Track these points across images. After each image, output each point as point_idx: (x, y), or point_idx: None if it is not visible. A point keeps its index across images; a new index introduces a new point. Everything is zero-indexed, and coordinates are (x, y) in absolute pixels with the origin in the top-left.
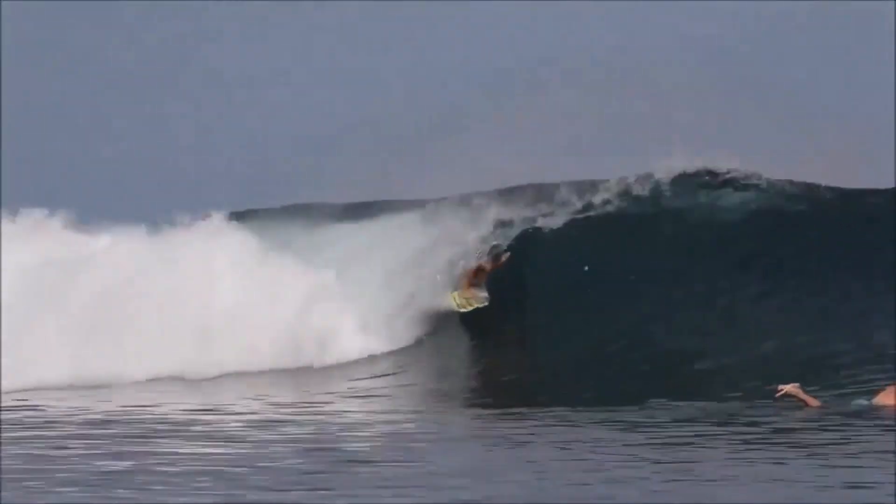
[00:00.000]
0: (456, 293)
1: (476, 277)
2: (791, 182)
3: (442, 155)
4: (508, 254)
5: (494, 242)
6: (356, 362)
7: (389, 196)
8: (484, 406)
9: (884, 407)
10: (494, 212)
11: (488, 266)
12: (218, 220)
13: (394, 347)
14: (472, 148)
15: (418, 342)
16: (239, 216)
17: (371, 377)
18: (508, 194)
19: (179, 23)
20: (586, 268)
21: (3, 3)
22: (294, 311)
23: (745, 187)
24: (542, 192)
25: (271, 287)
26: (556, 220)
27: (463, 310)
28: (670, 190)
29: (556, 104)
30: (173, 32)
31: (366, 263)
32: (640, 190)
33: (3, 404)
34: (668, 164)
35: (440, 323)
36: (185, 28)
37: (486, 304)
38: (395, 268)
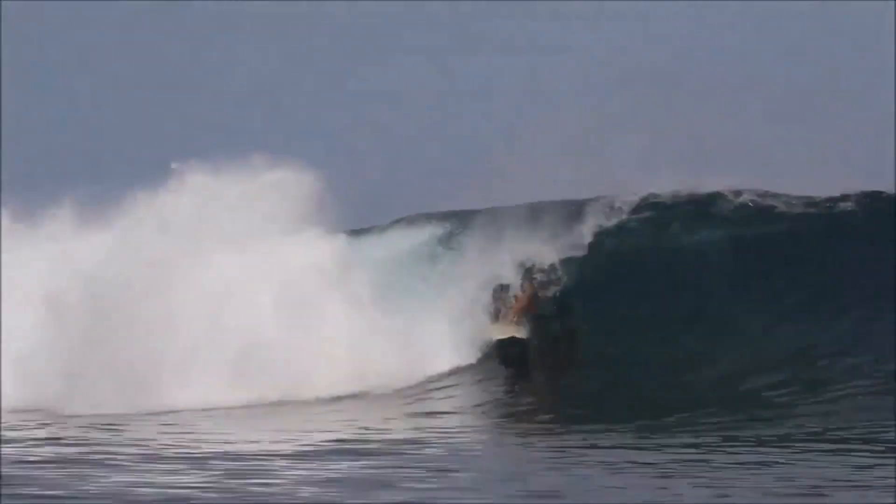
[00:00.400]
0: (496, 326)
1: (520, 314)
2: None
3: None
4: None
5: (539, 276)
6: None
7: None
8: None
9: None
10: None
11: (532, 306)
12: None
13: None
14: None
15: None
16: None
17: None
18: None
19: None
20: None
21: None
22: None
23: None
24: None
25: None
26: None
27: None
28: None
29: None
30: None
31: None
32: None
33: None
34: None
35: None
36: None
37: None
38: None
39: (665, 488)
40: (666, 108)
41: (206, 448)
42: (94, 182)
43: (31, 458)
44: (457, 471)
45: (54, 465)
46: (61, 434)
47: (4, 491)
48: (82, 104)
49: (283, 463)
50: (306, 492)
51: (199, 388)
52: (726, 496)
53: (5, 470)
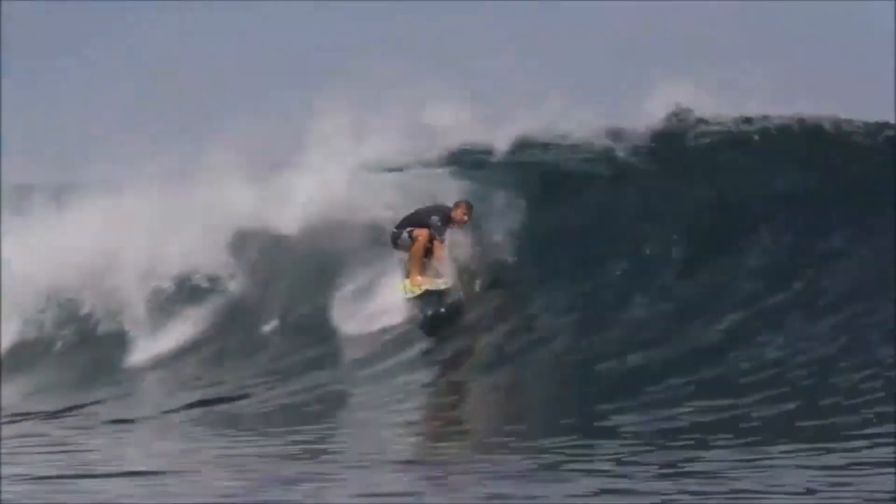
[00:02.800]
0: (406, 282)
1: (428, 256)
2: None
3: None
4: (464, 208)
5: (459, 200)
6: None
7: None
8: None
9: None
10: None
11: (440, 240)
12: None
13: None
14: None
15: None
16: None
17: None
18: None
19: None
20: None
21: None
22: None
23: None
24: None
25: None
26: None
27: (411, 294)
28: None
29: None
30: None
31: None
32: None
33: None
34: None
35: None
36: None
37: (445, 286)
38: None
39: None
40: None
41: None
42: None
43: None
44: None
45: None
46: None
47: None
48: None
49: None
50: None
51: None
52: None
53: None
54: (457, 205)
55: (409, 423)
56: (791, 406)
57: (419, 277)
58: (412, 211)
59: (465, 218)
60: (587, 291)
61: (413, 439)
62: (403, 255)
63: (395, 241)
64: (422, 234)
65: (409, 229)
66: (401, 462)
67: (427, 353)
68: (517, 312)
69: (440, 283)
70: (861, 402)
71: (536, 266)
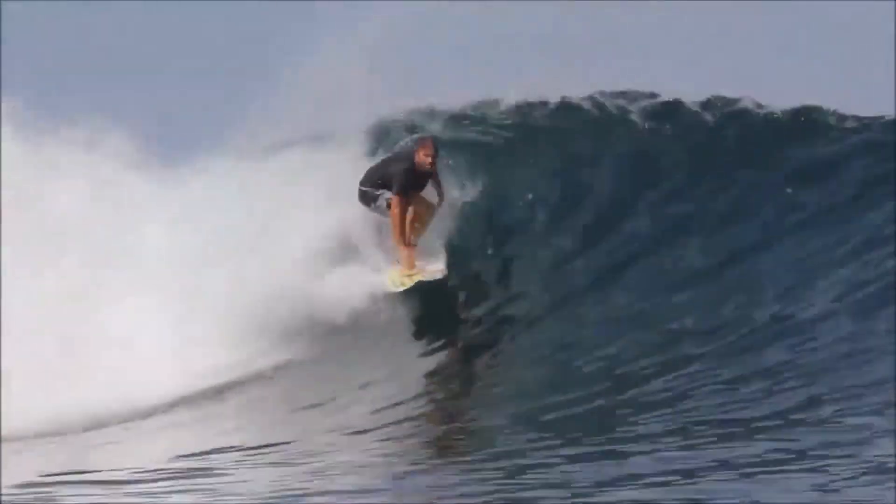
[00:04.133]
0: (394, 271)
1: (414, 232)
2: None
3: None
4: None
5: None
6: None
7: None
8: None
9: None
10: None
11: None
12: None
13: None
14: None
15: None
16: None
17: None
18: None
19: None
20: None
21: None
22: None
23: None
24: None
25: None
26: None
27: (403, 288)
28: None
29: None
30: None
31: None
32: None
33: None
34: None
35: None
36: None
37: (443, 275)
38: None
39: None
40: None
41: None
42: None
43: None
44: None
45: None
46: None
47: None
48: None
49: None
50: None
51: None
52: None
53: None
54: (418, 143)
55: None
56: None
57: (412, 267)
58: (379, 160)
59: (428, 160)
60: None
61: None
62: (381, 218)
63: (368, 202)
64: (394, 200)
65: (384, 193)
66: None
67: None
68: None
69: (437, 273)
70: None
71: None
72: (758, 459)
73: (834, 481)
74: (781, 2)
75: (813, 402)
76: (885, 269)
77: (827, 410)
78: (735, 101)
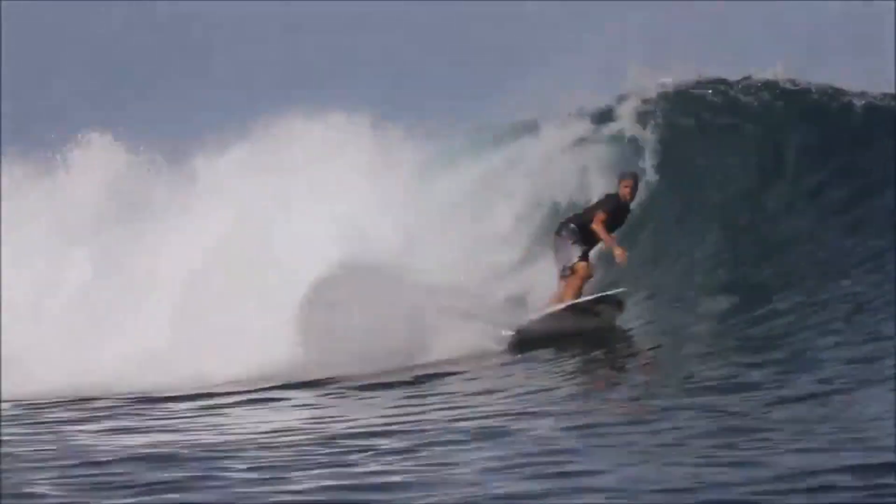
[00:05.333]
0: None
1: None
2: None
3: None
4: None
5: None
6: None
7: None
8: None
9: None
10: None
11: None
12: None
13: None
14: None
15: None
16: None
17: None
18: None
19: None
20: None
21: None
22: None
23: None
24: None
25: None
26: None
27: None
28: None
29: None
30: None
31: None
32: None
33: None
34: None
35: None
36: None
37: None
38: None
39: None
40: None
41: None
42: None
43: None
44: None
45: None
46: None
47: None
48: None
49: None
50: None
51: None
52: None
53: None
54: (620, 178)
55: None
56: None
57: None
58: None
59: (626, 191)
60: None
61: None
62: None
63: (561, 242)
64: (581, 267)
65: (574, 249)
66: None
67: None
68: None
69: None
70: None
71: None
72: None
73: None
74: None
75: None
76: None
77: None
78: None
